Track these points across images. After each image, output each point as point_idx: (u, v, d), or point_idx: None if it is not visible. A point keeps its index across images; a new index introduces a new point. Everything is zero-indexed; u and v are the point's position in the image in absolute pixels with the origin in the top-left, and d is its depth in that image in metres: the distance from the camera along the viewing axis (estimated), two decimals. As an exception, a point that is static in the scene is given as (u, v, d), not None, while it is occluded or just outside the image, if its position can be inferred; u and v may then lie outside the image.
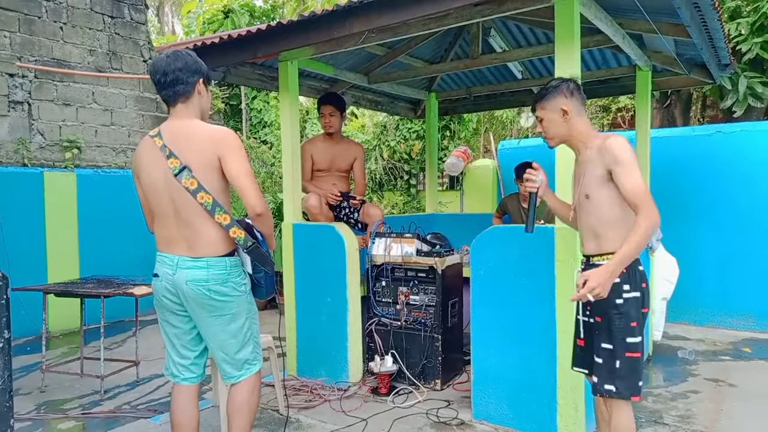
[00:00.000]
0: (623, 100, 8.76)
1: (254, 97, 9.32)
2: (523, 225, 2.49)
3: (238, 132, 9.31)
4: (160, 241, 2.24)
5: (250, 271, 2.27)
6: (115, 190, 6.03)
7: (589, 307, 2.23)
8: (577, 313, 2.32)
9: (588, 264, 2.24)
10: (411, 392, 3.48)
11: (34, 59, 5.81)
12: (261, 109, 9.32)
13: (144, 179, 2.21)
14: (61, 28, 6.05)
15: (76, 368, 4.04)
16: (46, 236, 5.55)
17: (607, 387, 2.13)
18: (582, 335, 2.29)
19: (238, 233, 2.15)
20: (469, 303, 3.12)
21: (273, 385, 3.26)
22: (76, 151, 6.07)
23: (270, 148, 8.58)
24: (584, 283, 2.02)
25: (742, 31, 5.71)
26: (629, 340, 2.10)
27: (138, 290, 3.63)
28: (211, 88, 2.35)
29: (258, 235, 2.22)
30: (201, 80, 2.23)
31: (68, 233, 5.73)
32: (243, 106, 9.22)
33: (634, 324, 2.11)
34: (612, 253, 2.11)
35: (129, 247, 5.83)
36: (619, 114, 9.35)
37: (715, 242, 5.12)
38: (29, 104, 5.81)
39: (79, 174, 5.89)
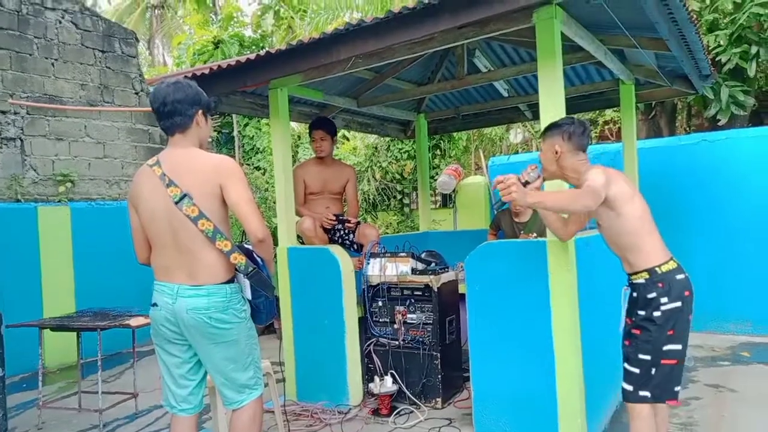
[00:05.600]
0: (609, 113, 8.90)
1: (246, 124, 9.40)
2: (516, 240, 2.54)
3: (230, 159, 9.36)
4: (158, 270, 2.24)
5: (250, 298, 2.28)
6: (109, 222, 6.03)
7: (631, 321, 2.34)
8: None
9: (630, 283, 2.38)
10: (412, 412, 3.46)
11: (26, 95, 5.87)
12: (253, 136, 9.41)
13: (142, 208, 2.21)
14: (53, 64, 6.13)
15: (73, 403, 3.99)
16: (41, 271, 5.53)
17: (642, 393, 2.25)
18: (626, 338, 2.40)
19: (239, 259, 2.16)
20: (466, 319, 3.13)
21: (273, 411, 3.23)
22: (69, 184, 6.10)
23: (263, 174, 8.63)
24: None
25: (721, 42, 5.85)
26: (665, 348, 2.22)
27: (134, 321, 3.61)
28: None
29: (258, 260, 2.24)
30: (200, 112, 2.26)
31: (63, 267, 5.71)
32: (235, 133, 9.30)
33: (670, 332, 2.21)
34: (642, 272, 2.28)
35: (125, 279, 5.80)
36: (606, 126, 9.49)
37: (707, 249, 5.16)
38: (22, 140, 5.85)
39: (73, 207, 5.90)
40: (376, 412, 3.49)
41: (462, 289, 3.72)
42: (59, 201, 5.98)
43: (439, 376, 3.50)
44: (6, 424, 1.62)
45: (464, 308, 3.21)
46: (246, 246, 2.27)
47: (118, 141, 6.71)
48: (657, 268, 2.25)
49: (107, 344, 3.87)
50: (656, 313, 2.22)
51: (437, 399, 3.52)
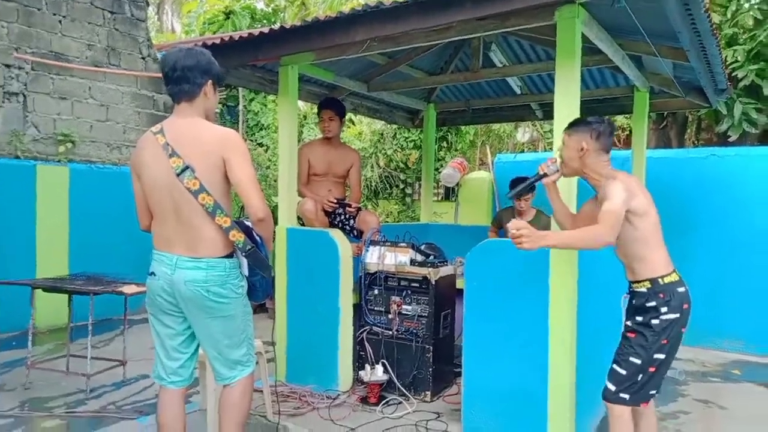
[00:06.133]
0: (619, 120, 8.85)
1: (252, 99, 9.31)
2: None
3: (234, 133, 9.30)
4: (158, 239, 2.21)
5: (247, 274, 2.26)
6: (108, 186, 5.98)
7: (627, 325, 2.37)
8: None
9: (630, 290, 2.39)
10: (401, 403, 3.45)
11: (32, 51, 5.77)
12: (258, 112, 9.32)
13: (144, 176, 2.18)
14: (60, 21, 6.02)
15: (62, 366, 3.98)
16: (36, 230, 5.49)
17: (622, 396, 2.30)
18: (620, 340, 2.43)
19: (237, 236, 2.13)
20: (461, 314, 3.11)
21: (261, 391, 3.22)
22: (70, 145, 6.02)
23: (266, 151, 8.56)
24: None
25: (739, 58, 5.80)
26: (656, 356, 2.26)
27: (128, 289, 3.58)
28: None
29: (257, 238, 2.21)
30: (210, 82, 2.21)
31: (59, 228, 5.67)
32: (240, 107, 9.21)
33: (664, 342, 2.25)
34: (644, 281, 2.29)
35: (120, 245, 5.77)
36: (615, 133, 9.43)
37: (708, 263, 5.14)
38: (24, 96, 5.76)
39: (72, 168, 5.84)
40: (364, 400, 3.48)
41: (459, 284, 3.70)
42: (59, 161, 5.91)
43: (430, 370, 3.49)
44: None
45: (460, 303, 3.19)
46: (246, 222, 2.24)
47: (122, 105, 6.63)
48: (660, 279, 2.28)
49: (99, 309, 3.84)
50: (654, 321, 2.26)
51: (427, 392, 3.51)
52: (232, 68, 4.13)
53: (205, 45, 3.60)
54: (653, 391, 2.34)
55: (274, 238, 4.05)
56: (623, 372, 2.30)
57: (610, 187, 2.23)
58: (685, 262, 5.06)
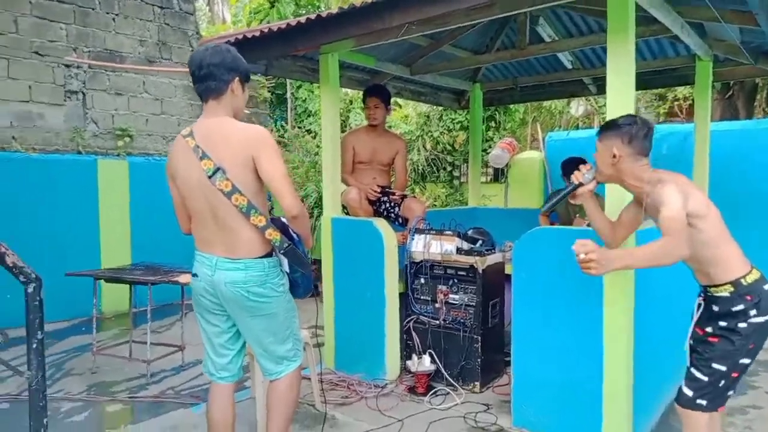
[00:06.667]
0: (681, 90, 8.31)
1: (299, 86, 9.37)
2: (571, 226, 2.38)
3: (282, 121, 9.41)
4: (199, 241, 2.25)
5: (288, 271, 2.27)
6: (165, 177, 6.17)
7: (704, 331, 2.18)
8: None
9: (707, 295, 2.18)
10: (449, 394, 3.41)
11: (89, 50, 6.01)
12: (306, 99, 9.38)
13: (179, 181, 2.21)
14: (113, 19, 6.23)
15: (125, 351, 4.19)
16: (99, 221, 5.77)
17: (700, 402, 2.13)
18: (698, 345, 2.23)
19: (273, 235, 2.12)
20: (511, 301, 3.02)
21: (310, 379, 3.27)
22: (128, 139, 6.28)
23: (314, 138, 8.62)
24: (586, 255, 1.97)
25: (818, 16, 5.26)
26: (741, 361, 2.09)
27: (183, 278, 3.71)
28: (257, 78, 2.31)
29: (294, 235, 2.21)
30: (237, 79, 2.19)
31: (120, 219, 5.93)
32: (288, 95, 9.29)
33: (751, 346, 2.09)
34: (725, 284, 2.09)
35: (180, 234, 5.96)
36: (676, 103, 8.89)
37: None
38: (84, 94, 6.03)
39: (131, 162, 6.08)
40: (412, 390, 3.46)
41: (508, 269, 3.60)
42: (118, 155, 6.18)
43: (479, 360, 3.43)
44: (44, 385, 1.65)
45: (509, 289, 3.10)
46: (282, 220, 2.23)
47: (175, 98, 6.83)
48: (742, 280, 2.07)
49: (159, 295, 4.00)
50: (742, 325, 2.06)
51: (475, 382, 3.45)
52: (273, 59, 4.15)
53: (245, 38, 3.64)
54: (730, 393, 2.16)
55: (314, 232, 4.06)
56: (705, 378, 2.11)
57: (662, 191, 2.02)
58: (760, 244, 4.77)
